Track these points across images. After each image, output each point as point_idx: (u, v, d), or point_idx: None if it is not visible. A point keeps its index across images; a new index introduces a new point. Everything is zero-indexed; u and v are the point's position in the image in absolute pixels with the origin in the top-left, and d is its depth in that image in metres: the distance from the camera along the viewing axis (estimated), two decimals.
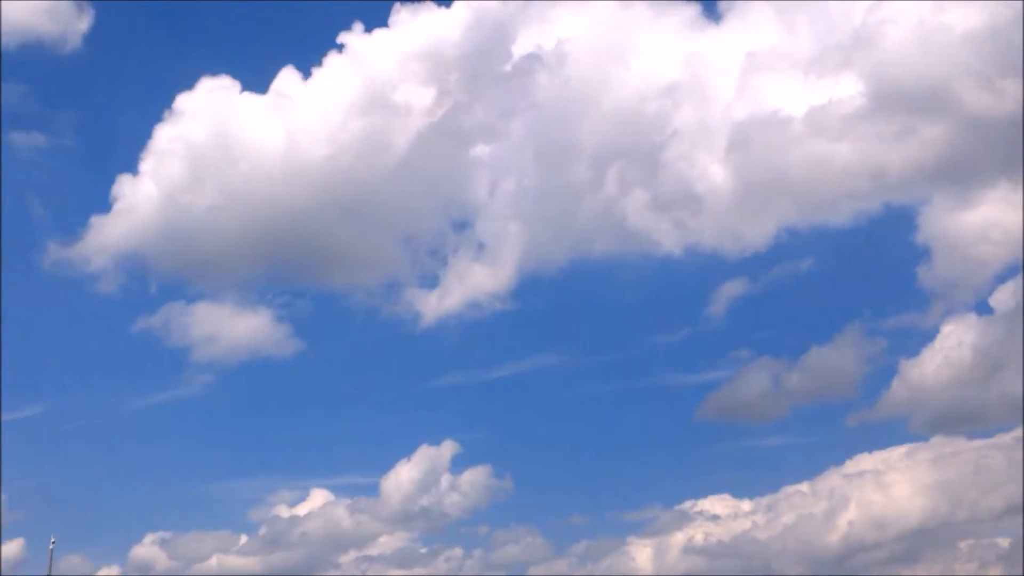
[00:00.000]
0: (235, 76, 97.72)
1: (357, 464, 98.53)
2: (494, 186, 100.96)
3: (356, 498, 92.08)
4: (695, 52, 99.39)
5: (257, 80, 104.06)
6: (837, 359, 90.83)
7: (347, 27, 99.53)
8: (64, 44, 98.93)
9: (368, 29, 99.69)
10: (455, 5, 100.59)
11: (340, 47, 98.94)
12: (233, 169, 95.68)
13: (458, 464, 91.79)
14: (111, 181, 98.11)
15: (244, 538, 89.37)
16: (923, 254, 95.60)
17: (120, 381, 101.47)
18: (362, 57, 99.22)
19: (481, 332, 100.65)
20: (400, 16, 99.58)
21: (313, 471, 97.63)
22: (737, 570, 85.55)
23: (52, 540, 46.99)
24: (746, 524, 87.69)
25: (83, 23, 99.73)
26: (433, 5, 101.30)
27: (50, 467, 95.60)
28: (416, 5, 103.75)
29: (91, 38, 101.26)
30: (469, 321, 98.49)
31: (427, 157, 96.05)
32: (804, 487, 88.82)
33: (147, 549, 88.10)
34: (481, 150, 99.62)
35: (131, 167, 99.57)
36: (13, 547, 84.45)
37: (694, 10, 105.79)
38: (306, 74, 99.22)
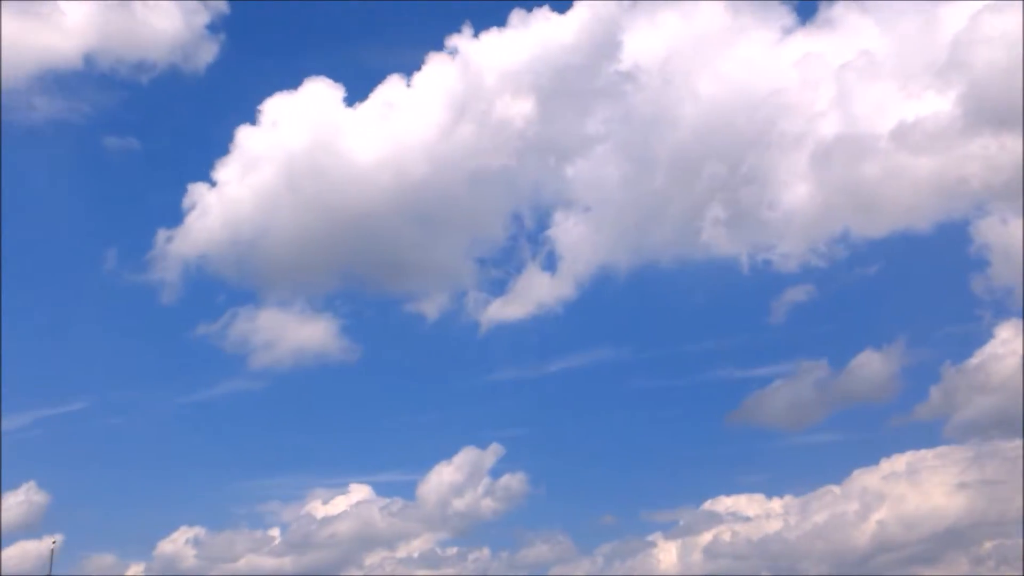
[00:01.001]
0: (338, 79, 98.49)
1: (397, 464, 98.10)
2: (573, 193, 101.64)
3: (392, 499, 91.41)
4: (790, 60, 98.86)
5: (358, 85, 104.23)
6: (884, 364, 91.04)
7: (457, 29, 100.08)
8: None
9: (477, 33, 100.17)
10: (575, 7, 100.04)
11: (450, 50, 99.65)
12: (316, 177, 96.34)
13: (496, 467, 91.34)
14: (196, 182, 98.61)
15: (277, 536, 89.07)
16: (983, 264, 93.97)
17: (171, 380, 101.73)
18: (465, 62, 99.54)
19: (540, 334, 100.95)
20: (514, 20, 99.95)
21: (351, 471, 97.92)
22: (763, 570, 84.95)
23: (53, 541, 45.88)
24: (776, 524, 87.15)
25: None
26: (548, 10, 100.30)
27: (91, 462, 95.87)
28: (533, 10, 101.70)
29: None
30: (529, 326, 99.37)
31: (511, 166, 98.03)
32: (837, 488, 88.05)
33: (176, 547, 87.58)
34: (564, 159, 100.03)
35: (207, 174, 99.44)
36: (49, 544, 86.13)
37: (791, 17, 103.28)
38: (409, 78, 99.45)
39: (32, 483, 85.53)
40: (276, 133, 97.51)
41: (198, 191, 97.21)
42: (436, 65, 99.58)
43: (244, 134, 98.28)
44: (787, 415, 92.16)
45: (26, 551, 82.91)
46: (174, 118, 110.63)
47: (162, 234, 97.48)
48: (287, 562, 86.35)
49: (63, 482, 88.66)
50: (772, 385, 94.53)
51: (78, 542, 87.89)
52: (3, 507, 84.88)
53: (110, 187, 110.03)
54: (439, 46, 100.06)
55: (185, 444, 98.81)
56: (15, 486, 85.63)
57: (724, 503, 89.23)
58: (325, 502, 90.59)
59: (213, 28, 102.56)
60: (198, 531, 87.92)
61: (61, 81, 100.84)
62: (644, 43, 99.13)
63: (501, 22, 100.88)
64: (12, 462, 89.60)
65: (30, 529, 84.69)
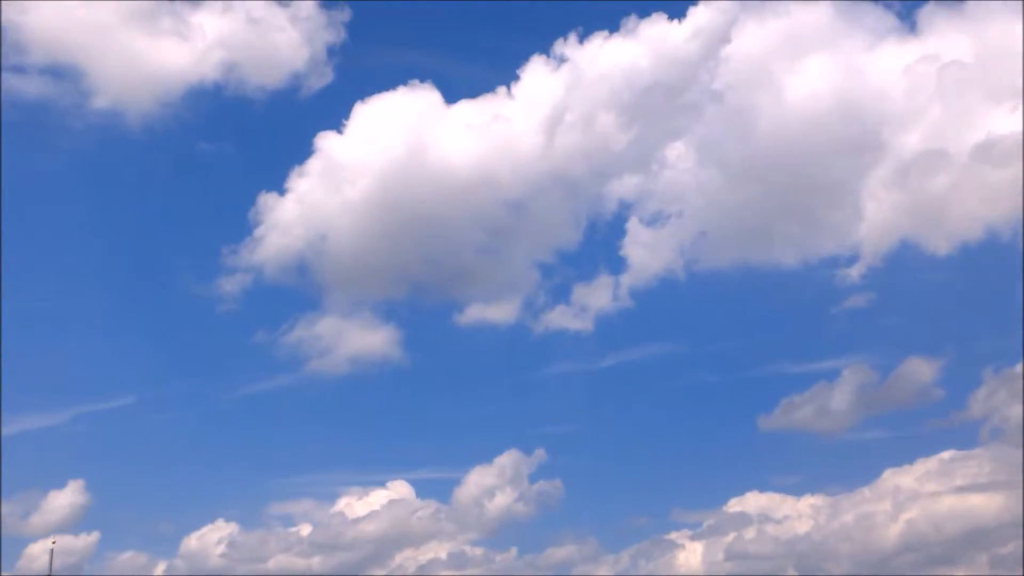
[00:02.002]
0: (436, 82, 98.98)
1: (437, 463, 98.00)
2: (649, 200, 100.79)
3: (426, 500, 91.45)
4: (883, 66, 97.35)
5: (456, 89, 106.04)
6: (929, 370, 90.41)
7: (564, 34, 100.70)
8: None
9: (582, 39, 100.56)
10: (690, 14, 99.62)
11: (556, 56, 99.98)
12: (393, 185, 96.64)
13: (535, 471, 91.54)
14: (270, 191, 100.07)
15: (307, 534, 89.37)
16: None
17: (221, 380, 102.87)
18: (568, 69, 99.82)
19: (599, 336, 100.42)
20: (626, 26, 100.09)
21: (389, 469, 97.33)
22: (789, 569, 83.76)
23: (53, 540, 46.83)
24: (804, 524, 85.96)
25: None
26: (665, 17, 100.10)
27: (133, 458, 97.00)
28: (648, 15, 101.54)
29: None
30: (589, 330, 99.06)
31: (591, 173, 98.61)
32: (869, 488, 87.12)
33: (203, 544, 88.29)
34: (644, 165, 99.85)
35: (282, 182, 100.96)
36: (88, 540, 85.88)
37: (890, 20, 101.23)
38: (509, 83, 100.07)
39: (79, 481, 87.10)
40: (359, 141, 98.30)
41: (272, 199, 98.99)
42: (537, 70, 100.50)
43: (326, 142, 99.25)
44: (823, 418, 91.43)
45: (65, 547, 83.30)
46: (265, 127, 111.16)
47: (232, 241, 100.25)
48: (315, 562, 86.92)
49: (104, 478, 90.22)
50: (812, 388, 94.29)
51: (113, 539, 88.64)
52: (47, 504, 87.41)
53: (192, 192, 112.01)
54: (546, 50, 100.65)
55: (226, 442, 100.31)
56: (60, 483, 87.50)
57: (752, 503, 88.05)
58: (358, 500, 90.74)
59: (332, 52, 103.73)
60: (231, 528, 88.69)
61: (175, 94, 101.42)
62: (743, 50, 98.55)
63: (614, 27, 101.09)
64: (56, 458, 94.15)
65: (70, 526, 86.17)
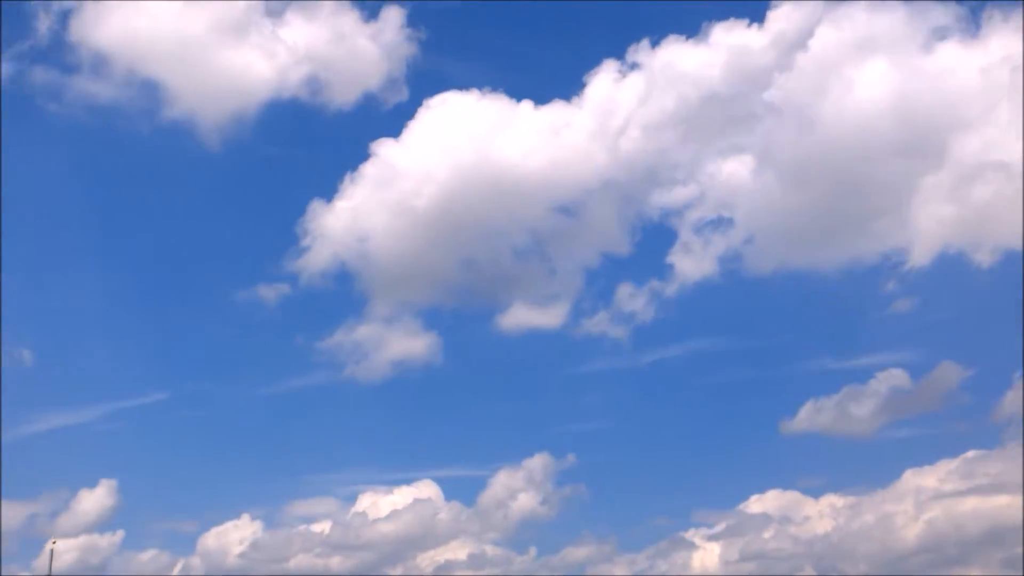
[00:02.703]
0: (506, 90, 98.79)
1: (463, 463, 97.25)
2: (700, 209, 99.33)
3: (450, 501, 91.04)
4: (947, 69, 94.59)
5: (519, 96, 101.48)
6: (959, 375, 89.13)
7: (636, 40, 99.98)
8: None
9: (656, 44, 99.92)
10: (769, 18, 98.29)
11: (628, 62, 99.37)
12: (449, 193, 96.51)
13: (562, 473, 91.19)
14: (322, 197, 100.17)
15: (326, 533, 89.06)
16: None
17: (253, 378, 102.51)
18: (633, 76, 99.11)
19: (639, 341, 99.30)
20: (703, 30, 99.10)
21: (412, 473, 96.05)
22: (803, 569, 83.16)
23: (53, 540, 47.58)
24: (823, 525, 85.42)
25: None
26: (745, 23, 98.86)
27: (162, 454, 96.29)
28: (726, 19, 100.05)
29: None
30: (632, 338, 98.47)
31: (644, 181, 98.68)
32: (890, 488, 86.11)
33: (222, 542, 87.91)
34: (699, 169, 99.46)
35: (335, 188, 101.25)
36: (113, 540, 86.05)
37: (955, 22, 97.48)
38: (575, 90, 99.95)
39: (109, 480, 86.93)
40: (415, 148, 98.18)
41: (321, 206, 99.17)
42: (607, 75, 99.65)
43: (383, 148, 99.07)
44: (849, 421, 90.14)
45: (90, 545, 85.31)
46: (333, 137, 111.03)
47: (279, 247, 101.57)
48: (334, 561, 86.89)
49: (132, 476, 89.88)
50: (841, 391, 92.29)
51: (137, 537, 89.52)
52: (79, 502, 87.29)
53: (249, 199, 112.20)
54: (619, 55, 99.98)
55: (256, 440, 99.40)
56: (89, 481, 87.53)
57: (771, 503, 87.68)
58: (381, 499, 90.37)
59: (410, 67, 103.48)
60: (253, 526, 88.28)
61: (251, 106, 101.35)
62: (811, 55, 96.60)
63: (689, 31, 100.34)
64: (86, 455, 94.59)
65: (97, 525, 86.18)
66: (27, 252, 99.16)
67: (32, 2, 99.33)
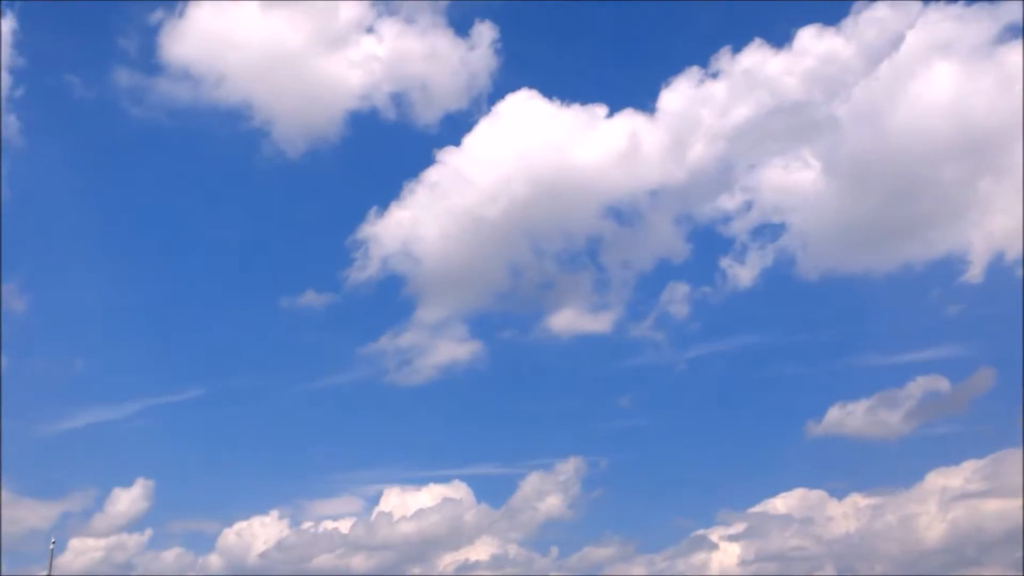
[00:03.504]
0: (571, 96, 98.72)
1: (493, 462, 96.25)
2: (754, 217, 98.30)
3: (480, 503, 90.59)
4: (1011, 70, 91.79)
5: (591, 101, 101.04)
6: (994, 380, 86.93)
7: (720, 46, 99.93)
8: None
9: (737, 51, 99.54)
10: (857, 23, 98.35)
11: (711, 70, 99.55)
12: (506, 199, 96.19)
13: (591, 476, 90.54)
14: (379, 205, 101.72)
15: (348, 531, 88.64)
16: None
17: (292, 376, 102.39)
18: (709, 83, 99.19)
19: (682, 338, 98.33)
20: (787, 36, 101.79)
21: (441, 473, 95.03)
22: (823, 569, 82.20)
23: (53, 540, 48.29)
24: (846, 525, 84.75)
25: None
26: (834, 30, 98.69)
27: (197, 451, 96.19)
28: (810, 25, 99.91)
29: None
30: (674, 339, 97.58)
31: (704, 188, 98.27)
32: (913, 490, 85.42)
33: (242, 539, 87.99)
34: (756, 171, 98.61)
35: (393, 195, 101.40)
36: (141, 539, 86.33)
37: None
38: (650, 97, 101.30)
39: (142, 478, 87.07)
40: (477, 156, 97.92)
41: (381, 212, 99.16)
42: (685, 83, 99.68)
43: (446, 155, 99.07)
44: (878, 423, 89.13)
45: (119, 544, 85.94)
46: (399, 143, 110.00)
47: (333, 253, 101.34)
48: (357, 560, 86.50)
49: (163, 473, 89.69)
50: (875, 395, 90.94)
51: (163, 536, 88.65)
52: (111, 500, 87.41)
53: (314, 205, 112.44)
54: (702, 62, 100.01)
55: (288, 439, 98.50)
56: (124, 479, 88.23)
57: (793, 502, 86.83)
58: (406, 500, 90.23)
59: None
60: (279, 524, 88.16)
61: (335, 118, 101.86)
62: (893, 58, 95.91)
63: (783, 39, 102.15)
64: (124, 451, 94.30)
65: (128, 523, 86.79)
66: (79, 248, 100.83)
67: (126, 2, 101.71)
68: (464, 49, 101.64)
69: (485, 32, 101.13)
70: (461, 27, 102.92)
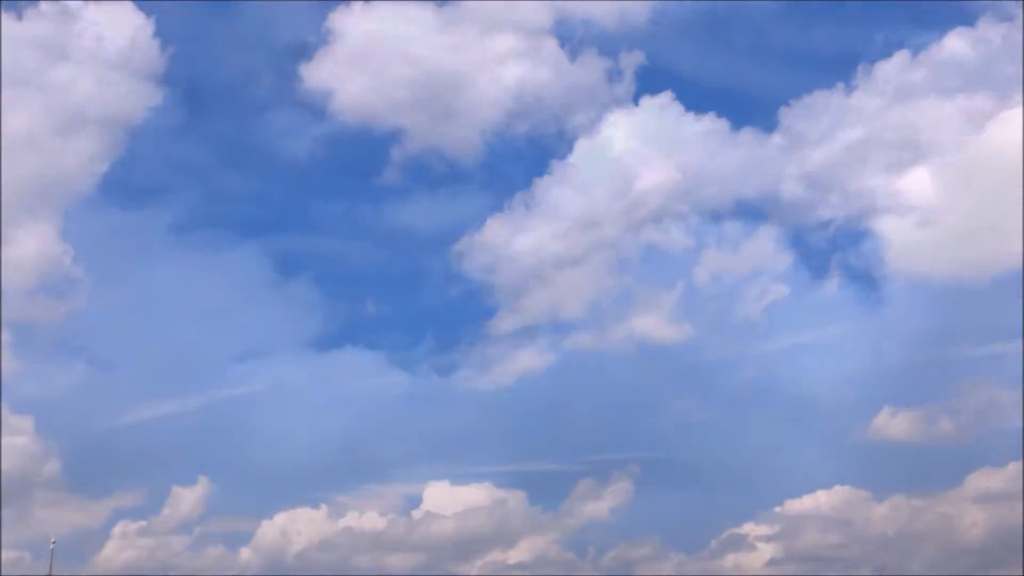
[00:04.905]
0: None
1: (548, 472, 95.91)
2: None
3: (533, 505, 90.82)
4: None
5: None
6: None
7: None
8: None
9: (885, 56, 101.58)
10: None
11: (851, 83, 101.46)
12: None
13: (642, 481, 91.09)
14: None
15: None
16: None
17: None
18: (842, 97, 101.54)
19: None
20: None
21: (489, 475, 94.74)
22: (859, 569, 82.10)
23: (53, 540, 47.17)
24: (885, 525, 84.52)
25: None
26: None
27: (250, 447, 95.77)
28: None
29: None
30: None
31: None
32: (954, 491, 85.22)
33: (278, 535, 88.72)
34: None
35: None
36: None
37: None
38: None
39: (203, 475, 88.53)
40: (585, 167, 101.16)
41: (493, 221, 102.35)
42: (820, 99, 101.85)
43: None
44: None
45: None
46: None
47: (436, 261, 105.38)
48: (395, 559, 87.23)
49: (220, 469, 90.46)
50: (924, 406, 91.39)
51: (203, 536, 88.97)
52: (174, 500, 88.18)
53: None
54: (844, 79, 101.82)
55: (345, 434, 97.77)
56: (185, 476, 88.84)
57: (831, 500, 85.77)
58: (452, 497, 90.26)
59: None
60: (322, 520, 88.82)
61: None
62: None
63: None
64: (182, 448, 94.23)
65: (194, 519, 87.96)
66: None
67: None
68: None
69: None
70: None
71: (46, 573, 45.97)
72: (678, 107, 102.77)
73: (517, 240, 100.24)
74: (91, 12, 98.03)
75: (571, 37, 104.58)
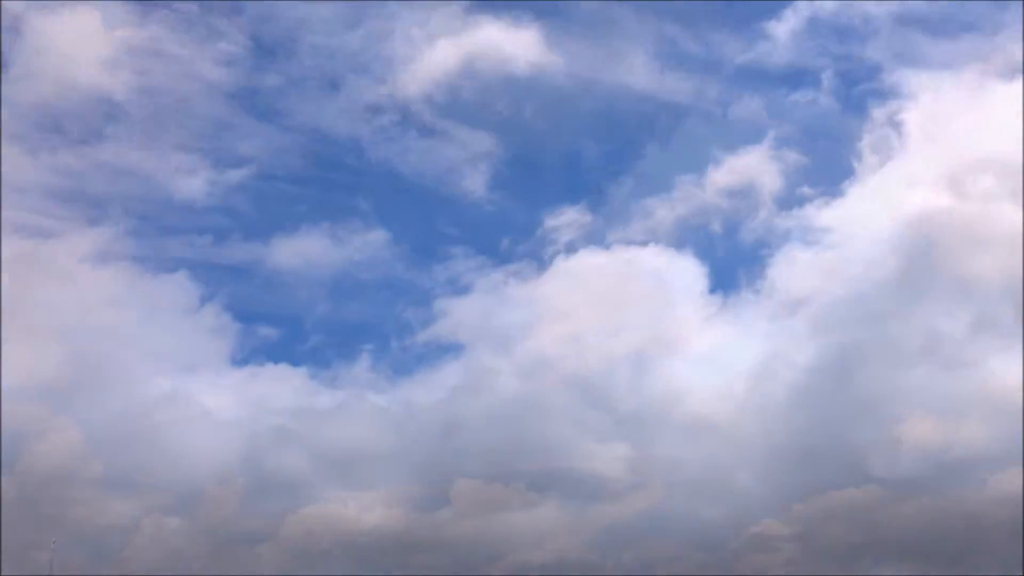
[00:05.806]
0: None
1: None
2: None
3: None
4: None
5: None
6: None
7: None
8: None
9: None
10: None
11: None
12: None
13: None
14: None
15: None
16: None
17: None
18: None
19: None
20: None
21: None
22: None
23: (54, 540, 47.16)
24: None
25: None
26: None
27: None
28: None
29: None
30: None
31: None
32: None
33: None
34: None
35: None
36: None
37: None
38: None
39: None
40: None
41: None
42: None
43: None
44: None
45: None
46: None
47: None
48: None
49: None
50: None
51: None
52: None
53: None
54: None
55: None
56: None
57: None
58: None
59: None
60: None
61: None
62: None
63: None
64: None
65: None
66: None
67: None
68: None
69: None
70: None
71: (47, 573, 45.99)
72: None
73: None
74: None
75: None
